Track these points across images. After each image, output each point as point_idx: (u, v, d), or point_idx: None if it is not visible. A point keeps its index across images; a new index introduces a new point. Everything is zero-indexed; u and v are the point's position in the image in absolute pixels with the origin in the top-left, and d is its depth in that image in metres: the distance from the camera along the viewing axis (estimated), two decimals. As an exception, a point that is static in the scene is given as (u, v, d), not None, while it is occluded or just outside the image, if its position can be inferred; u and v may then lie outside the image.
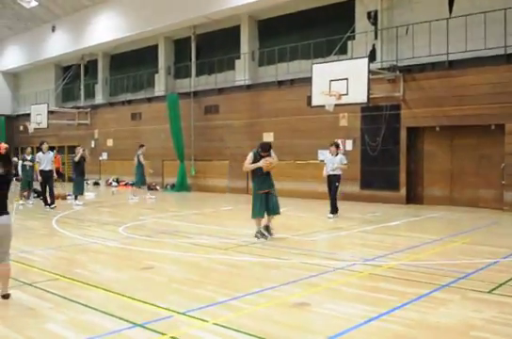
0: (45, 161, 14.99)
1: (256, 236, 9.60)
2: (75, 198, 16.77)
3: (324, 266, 7.35)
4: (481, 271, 6.92)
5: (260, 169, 9.59)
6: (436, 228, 11.51)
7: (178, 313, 5.15)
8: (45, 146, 15.26)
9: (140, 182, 19.15)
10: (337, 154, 13.03)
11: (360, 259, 7.80)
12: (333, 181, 13.01)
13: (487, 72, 14.54)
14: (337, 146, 13.23)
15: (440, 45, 15.34)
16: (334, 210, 13.01)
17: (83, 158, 16.62)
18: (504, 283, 6.22)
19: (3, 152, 5.62)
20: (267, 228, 9.72)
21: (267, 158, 9.71)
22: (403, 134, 16.34)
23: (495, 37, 14.40)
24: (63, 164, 31.02)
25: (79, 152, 16.60)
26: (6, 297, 5.72)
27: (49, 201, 15.18)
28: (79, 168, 16.62)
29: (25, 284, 6.23)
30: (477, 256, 7.96)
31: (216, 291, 6.00)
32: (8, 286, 5.76)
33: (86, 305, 5.42)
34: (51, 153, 15.63)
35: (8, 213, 5.64)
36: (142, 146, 19.28)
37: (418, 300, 5.55)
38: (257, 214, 9.67)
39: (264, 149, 9.79)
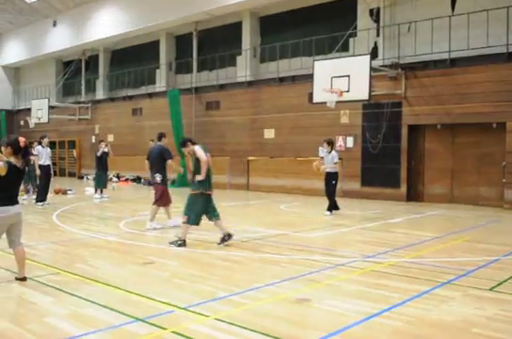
0: (44, 155, 14.87)
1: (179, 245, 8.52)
2: (95, 191, 17.23)
3: (325, 262, 7.36)
4: (482, 269, 6.92)
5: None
6: (436, 225, 11.51)
7: (179, 308, 5.15)
8: (46, 140, 15.17)
9: None
10: (330, 152, 12.90)
11: (361, 256, 7.81)
12: (329, 179, 12.91)
13: (488, 70, 14.52)
14: (329, 143, 12.97)
15: (442, 43, 15.32)
16: (330, 208, 12.95)
17: (106, 153, 17.06)
18: (504, 281, 6.22)
19: (23, 145, 5.84)
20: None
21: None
22: (404, 131, 16.33)
23: (497, 35, 14.37)
24: (62, 159, 31.10)
25: (101, 146, 17.11)
26: (23, 279, 6.09)
27: (40, 197, 14.72)
28: (101, 162, 17.07)
29: (27, 278, 6.22)
30: (478, 254, 7.97)
31: (216, 286, 6.00)
32: (25, 270, 6.16)
33: (87, 299, 5.42)
34: (49, 149, 15.47)
35: (18, 202, 6.08)
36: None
37: (419, 297, 5.55)
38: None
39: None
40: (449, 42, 15.09)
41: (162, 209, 10.74)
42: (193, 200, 8.50)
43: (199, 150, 8.54)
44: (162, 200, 10.53)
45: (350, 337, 4.37)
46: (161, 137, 10.92)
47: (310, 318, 4.95)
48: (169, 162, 10.49)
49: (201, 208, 8.49)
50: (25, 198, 16.11)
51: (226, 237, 8.57)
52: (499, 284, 6.07)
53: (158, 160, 10.51)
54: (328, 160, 12.87)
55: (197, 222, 8.52)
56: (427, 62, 15.82)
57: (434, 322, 4.78)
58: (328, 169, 12.88)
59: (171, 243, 8.57)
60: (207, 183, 8.54)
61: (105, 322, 4.73)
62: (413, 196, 16.44)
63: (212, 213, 8.62)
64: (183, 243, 8.50)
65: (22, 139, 5.91)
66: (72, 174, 30.49)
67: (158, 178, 10.42)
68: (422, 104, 15.89)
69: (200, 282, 6.25)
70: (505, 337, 4.39)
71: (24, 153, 5.94)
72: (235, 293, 5.70)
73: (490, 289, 5.88)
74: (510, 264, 7.25)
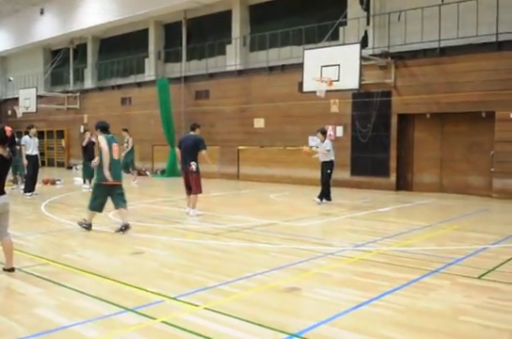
0: (32, 146, 14.74)
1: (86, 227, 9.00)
2: (84, 181, 17.03)
3: (314, 251, 7.37)
4: (470, 257, 6.97)
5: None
6: (425, 214, 11.57)
7: (169, 297, 5.15)
8: (33, 130, 15.02)
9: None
10: (324, 141, 12.94)
11: (351, 245, 7.83)
12: (323, 167, 12.99)
13: (478, 59, 14.53)
14: (323, 133, 13.09)
15: (431, 32, 15.29)
16: (322, 195, 12.98)
17: (92, 143, 16.89)
18: (492, 269, 6.27)
19: (9, 134, 5.77)
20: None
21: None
22: (394, 120, 16.35)
23: (487, 24, 14.36)
24: (51, 149, 30.90)
25: (87, 136, 16.80)
26: (11, 270, 6.05)
27: (28, 187, 14.62)
28: (87, 152, 16.84)
29: (15, 269, 6.18)
30: (467, 242, 8.02)
31: (206, 276, 6.00)
32: (13, 260, 6.11)
33: (76, 290, 5.40)
34: (36, 139, 15.29)
35: (5, 193, 6.01)
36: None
37: (408, 286, 5.58)
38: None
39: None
40: (439, 31, 15.07)
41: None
42: (94, 189, 9.12)
43: (102, 139, 8.84)
44: (200, 187, 10.92)
45: (340, 326, 4.39)
46: (194, 127, 11.13)
47: (299, 307, 4.97)
48: (203, 152, 10.79)
49: (101, 197, 8.92)
50: (15, 187, 16.00)
51: (123, 227, 8.79)
52: (487, 273, 6.12)
53: (192, 149, 10.80)
54: (321, 149, 12.92)
55: (95, 209, 8.93)
56: (417, 51, 15.80)
57: (423, 310, 4.81)
58: (322, 159, 12.93)
59: (79, 223, 9.03)
60: (110, 173, 8.79)
61: (95, 312, 4.71)
62: (403, 185, 16.50)
63: (116, 201, 9.01)
64: (88, 226, 8.95)
65: (8, 129, 5.84)
66: (60, 164, 30.30)
67: (194, 166, 10.76)
68: (411, 93, 15.89)
69: (189, 271, 6.24)
70: (493, 325, 4.43)
71: (10, 142, 5.88)
72: (225, 282, 5.71)
73: (479, 277, 5.92)
74: (498, 252, 7.31)
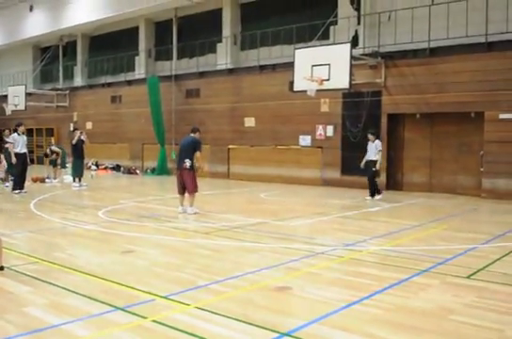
0: (21, 143, 14.65)
1: None
2: (73, 180, 17.14)
3: (305, 250, 7.39)
4: (460, 257, 7.01)
5: None
6: (415, 214, 11.62)
7: (159, 296, 5.14)
8: (21, 128, 14.94)
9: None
10: (374, 141, 13.75)
11: (341, 244, 7.85)
12: (370, 166, 13.74)
13: (467, 59, 14.61)
14: (372, 133, 13.93)
15: (421, 32, 15.34)
16: (372, 193, 13.77)
17: (81, 141, 16.88)
18: (482, 269, 6.31)
19: None
20: None
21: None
22: (384, 120, 16.39)
23: (476, 24, 14.43)
24: (40, 147, 30.66)
25: (76, 134, 16.92)
26: (0, 269, 5.97)
27: (16, 185, 14.62)
28: (77, 151, 16.90)
29: (4, 268, 6.14)
30: (456, 242, 8.07)
31: (197, 275, 6.00)
32: (2, 259, 6.03)
33: (66, 289, 5.38)
34: (25, 137, 15.19)
35: None
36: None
37: (398, 285, 5.60)
38: None
39: None
40: (429, 32, 15.12)
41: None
42: None
43: None
44: (196, 185, 11.10)
45: (330, 325, 4.40)
46: (195, 130, 11.36)
47: (290, 306, 4.97)
48: (198, 154, 11.00)
49: None
50: (8, 185, 15.89)
51: None
52: (476, 272, 6.16)
53: (188, 149, 11.04)
54: (371, 148, 13.71)
55: None
56: (407, 51, 15.85)
57: (413, 309, 4.83)
58: (369, 158, 13.72)
59: None
60: None
61: (85, 311, 4.69)
62: (392, 185, 16.54)
63: None
64: None
65: None
66: (50, 162, 30.02)
67: (188, 163, 10.94)
68: (401, 93, 15.95)
69: (180, 270, 6.23)
70: (482, 323, 4.46)
71: None
72: (216, 281, 5.70)
73: (468, 277, 5.96)
74: (487, 252, 7.36)
